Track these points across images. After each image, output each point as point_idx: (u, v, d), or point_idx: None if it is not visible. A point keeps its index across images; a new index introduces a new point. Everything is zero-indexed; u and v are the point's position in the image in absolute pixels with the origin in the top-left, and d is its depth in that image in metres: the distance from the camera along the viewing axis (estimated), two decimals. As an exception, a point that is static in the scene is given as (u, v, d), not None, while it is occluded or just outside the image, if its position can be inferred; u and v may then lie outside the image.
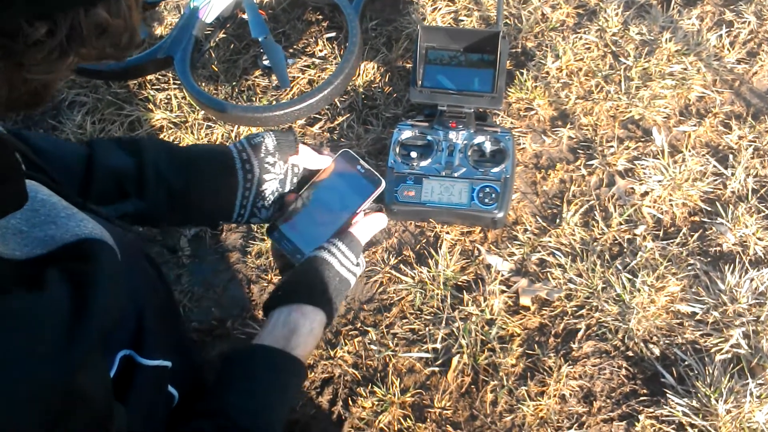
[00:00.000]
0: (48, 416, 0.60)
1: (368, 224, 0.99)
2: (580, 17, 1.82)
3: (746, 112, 1.60)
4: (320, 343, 1.37)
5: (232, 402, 0.83)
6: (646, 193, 1.49)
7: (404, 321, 1.39)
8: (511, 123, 1.63)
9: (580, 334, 1.33)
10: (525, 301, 1.38)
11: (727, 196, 1.47)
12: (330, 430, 1.29)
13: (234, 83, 1.81)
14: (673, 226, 1.45)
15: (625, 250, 1.42)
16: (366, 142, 1.65)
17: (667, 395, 1.24)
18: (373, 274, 1.46)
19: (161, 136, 1.75)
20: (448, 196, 1.38)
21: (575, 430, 1.23)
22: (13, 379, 0.57)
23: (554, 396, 1.26)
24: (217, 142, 1.72)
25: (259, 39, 1.62)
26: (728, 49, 1.70)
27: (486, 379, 1.30)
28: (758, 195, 1.46)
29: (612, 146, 1.57)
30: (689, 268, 1.38)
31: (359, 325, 1.40)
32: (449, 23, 1.84)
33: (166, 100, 1.81)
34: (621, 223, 1.45)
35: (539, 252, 1.44)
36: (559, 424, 1.24)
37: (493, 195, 1.37)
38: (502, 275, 1.42)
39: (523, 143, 1.60)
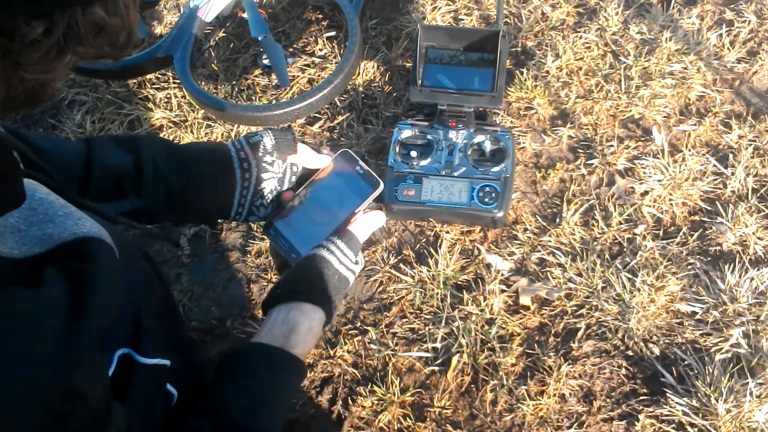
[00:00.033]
0: (47, 416, 0.60)
1: (367, 222, 0.99)
2: (580, 16, 1.82)
3: (746, 112, 1.59)
4: (320, 342, 1.37)
5: (232, 400, 0.82)
6: (646, 193, 1.49)
7: (404, 320, 1.39)
8: (511, 122, 1.63)
9: (579, 333, 1.33)
10: (525, 300, 1.38)
11: (727, 195, 1.47)
12: (330, 429, 1.29)
13: (234, 82, 1.81)
14: (673, 226, 1.45)
15: (625, 249, 1.42)
16: (366, 141, 1.64)
17: (667, 395, 1.24)
18: (373, 274, 1.46)
19: (161, 135, 1.75)
20: (448, 196, 1.38)
21: (575, 429, 1.23)
22: (13, 379, 0.57)
23: (554, 395, 1.26)
24: (217, 141, 1.72)
25: (259, 38, 1.62)
26: (728, 48, 1.69)
27: (486, 378, 1.30)
28: (758, 194, 1.46)
29: (612, 145, 1.56)
30: (689, 267, 1.38)
31: (359, 324, 1.40)
32: (449, 22, 1.84)
33: (166, 99, 1.81)
34: (621, 223, 1.45)
35: (539, 251, 1.43)
36: (558, 424, 1.24)
37: (493, 194, 1.37)
38: (502, 274, 1.42)
39: (523, 142, 1.60)
